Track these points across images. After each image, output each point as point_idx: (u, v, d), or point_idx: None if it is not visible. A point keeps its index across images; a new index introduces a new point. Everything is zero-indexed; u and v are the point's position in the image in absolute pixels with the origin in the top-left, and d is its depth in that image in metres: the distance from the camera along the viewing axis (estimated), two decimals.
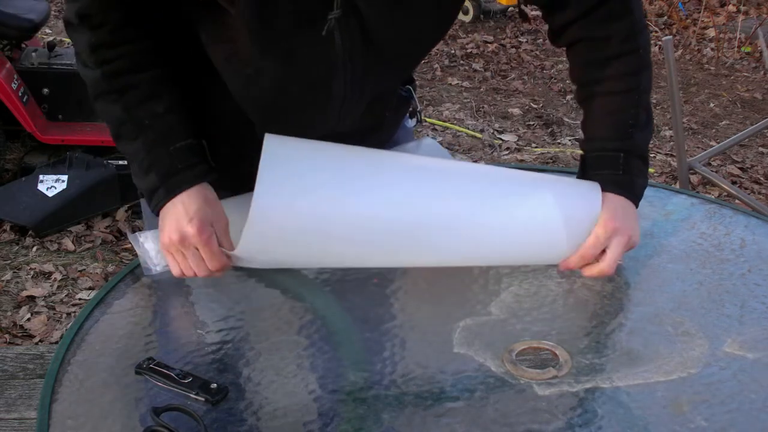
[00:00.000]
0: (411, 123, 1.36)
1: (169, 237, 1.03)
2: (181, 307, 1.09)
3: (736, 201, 2.58)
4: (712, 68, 5.14)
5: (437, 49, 5.09)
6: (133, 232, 2.92)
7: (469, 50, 5.29)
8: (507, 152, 3.89)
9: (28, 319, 2.51)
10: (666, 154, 3.85)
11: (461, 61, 5.13)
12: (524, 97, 4.63)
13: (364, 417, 0.89)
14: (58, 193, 2.94)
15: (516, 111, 4.40)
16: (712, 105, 4.58)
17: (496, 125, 4.20)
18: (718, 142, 3.76)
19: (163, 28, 1.07)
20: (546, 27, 1.19)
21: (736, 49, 5.32)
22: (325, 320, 1.05)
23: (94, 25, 1.03)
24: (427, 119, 4.18)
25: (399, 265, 1.13)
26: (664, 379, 0.95)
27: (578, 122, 4.45)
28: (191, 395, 0.91)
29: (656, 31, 5.51)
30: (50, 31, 4.95)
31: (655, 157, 3.82)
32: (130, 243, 1.16)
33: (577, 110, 4.34)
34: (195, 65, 1.09)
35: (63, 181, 2.97)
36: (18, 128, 3.19)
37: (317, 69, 1.04)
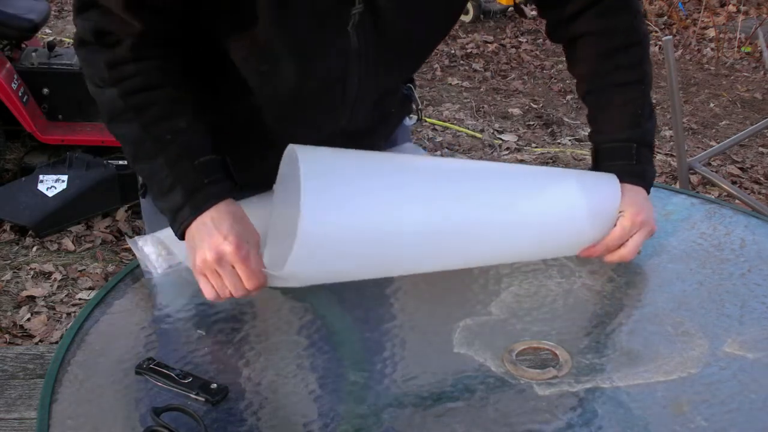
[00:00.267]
0: (409, 122, 1.37)
1: (204, 257, 0.96)
2: (181, 307, 1.08)
3: (736, 201, 2.58)
4: (712, 68, 5.14)
5: (437, 49, 5.07)
6: (134, 232, 2.94)
7: (469, 50, 5.29)
8: (507, 152, 3.89)
9: (28, 319, 2.51)
10: (666, 154, 3.85)
11: (461, 61, 5.13)
12: (524, 97, 4.63)
13: (364, 417, 0.89)
14: (58, 193, 2.94)
15: (516, 111, 4.40)
16: (712, 105, 4.58)
17: (496, 125, 4.20)
18: (718, 142, 3.76)
19: (179, 35, 1.03)
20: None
21: (736, 49, 5.32)
22: (325, 320, 1.05)
23: (113, 43, 0.99)
24: (427, 119, 4.18)
25: (448, 268, 1.10)
26: (664, 379, 0.95)
27: (578, 122, 4.46)
28: (191, 395, 0.91)
29: (656, 31, 5.51)
30: (50, 31, 4.95)
31: (655, 157, 3.81)
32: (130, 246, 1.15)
33: (578, 110, 4.34)
34: (208, 65, 1.07)
35: (63, 181, 2.97)
36: (18, 128, 3.19)
37: (334, 65, 1.04)
